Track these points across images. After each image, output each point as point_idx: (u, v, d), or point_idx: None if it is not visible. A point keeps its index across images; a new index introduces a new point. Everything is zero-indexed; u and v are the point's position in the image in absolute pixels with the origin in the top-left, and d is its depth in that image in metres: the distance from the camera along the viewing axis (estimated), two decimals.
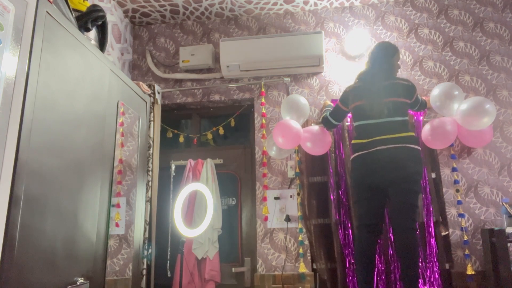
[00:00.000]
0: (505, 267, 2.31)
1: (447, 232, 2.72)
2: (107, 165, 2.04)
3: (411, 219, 2.07)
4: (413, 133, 2.21)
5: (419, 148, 2.19)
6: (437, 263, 2.62)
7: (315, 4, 3.30)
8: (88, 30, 2.06)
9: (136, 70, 3.51)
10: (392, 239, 2.61)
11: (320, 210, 2.93)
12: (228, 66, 3.15)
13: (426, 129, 2.69)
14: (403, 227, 2.07)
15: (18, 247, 1.33)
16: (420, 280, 2.07)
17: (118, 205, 2.21)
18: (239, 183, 3.27)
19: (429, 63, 3.11)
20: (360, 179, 2.26)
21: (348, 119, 2.95)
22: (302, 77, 3.25)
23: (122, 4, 3.24)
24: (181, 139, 3.41)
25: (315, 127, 2.83)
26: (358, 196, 2.29)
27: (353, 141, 2.34)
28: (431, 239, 2.66)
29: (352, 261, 2.71)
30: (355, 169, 2.29)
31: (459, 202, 2.75)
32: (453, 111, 2.61)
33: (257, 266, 2.89)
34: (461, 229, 2.70)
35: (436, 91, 2.66)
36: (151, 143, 2.80)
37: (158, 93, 3.03)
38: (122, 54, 3.33)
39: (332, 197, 2.83)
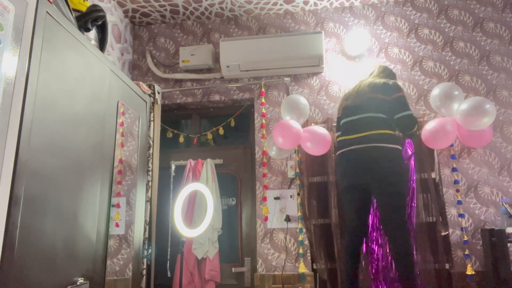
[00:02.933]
0: (505, 267, 2.31)
1: (447, 232, 2.72)
2: (107, 165, 2.04)
3: (396, 222, 2.07)
4: (391, 131, 2.16)
5: (398, 147, 2.15)
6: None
7: (315, 4, 3.30)
8: (88, 30, 2.06)
9: (136, 70, 3.51)
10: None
11: (320, 210, 2.92)
12: (228, 66, 3.15)
13: (426, 129, 2.69)
14: (391, 229, 2.08)
15: (18, 247, 1.33)
16: (418, 280, 2.06)
17: (118, 205, 2.21)
18: (239, 183, 3.27)
19: (429, 63, 3.11)
20: (341, 178, 2.30)
21: None
22: (302, 77, 3.25)
23: (122, 4, 3.24)
24: (181, 139, 3.41)
25: (315, 127, 2.83)
26: (343, 196, 2.33)
27: (337, 139, 2.38)
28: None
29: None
30: (337, 167, 2.34)
31: (459, 202, 2.75)
32: (453, 111, 2.61)
33: (257, 266, 2.89)
34: (461, 229, 2.70)
35: (436, 91, 2.67)
36: (151, 143, 2.80)
37: (158, 93, 3.03)
38: (122, 54, 3.33)
39: (332, 197, 2.83)
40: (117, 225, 2.16)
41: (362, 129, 2.17)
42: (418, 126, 2.24)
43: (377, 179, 2.10)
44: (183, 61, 3.29)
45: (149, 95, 2.87)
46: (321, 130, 2.77)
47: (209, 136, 3.50)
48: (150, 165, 2.76)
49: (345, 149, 2.22)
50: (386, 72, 2.44)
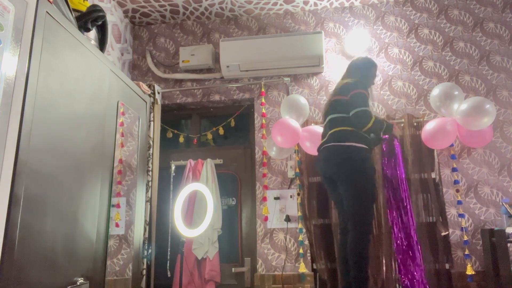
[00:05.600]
0: (505, 267, 2.31)
1: (447, 232, 2.72)
2: (107, 165, 2.04)
3: (351, 220, 2.11)
4: (348, 128, 2.17)
5: (354, 144, 2.13)
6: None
7: (315, 4, 3.30)
8: (88, 30, 2.06)
9: (136, 70, 3.51)
10: None
11: (320, 210, 2.93)
12: (228, 66, 3.15)
13: (426, 129, 2.69)
14: (349, 227, 2.14)
15: (18, 247, 1.33)
16: (365, 282, 2.06)
17: (118, 205, 2.21)
18: (239, 183, 3.27)
19: (429, 63, 3.11)
20: (321, 180, 2.41)
21: None
22: (302, 77, 3.25)
23: (122, 4, 3.24)
24: (181, 139, 3.41)
25: (314, 127, 2.83)
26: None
27: None
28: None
29: None
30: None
31: (459, 202, 2.75)
32: (453, 111, 2.61)
33: (257, 266, 2.89)
34: (461, 229, 2.70)
35: (436, 91, 2.67)
36: (151, 143, 2.80)
37: (158, 93, 3.03)
38: (122, 54, 3.33)
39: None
40: (117, 225, 2.16)
41: (327, 131, 2.28)
42: (377, 123, 2.18)
43: (335, 177, 2.19)
44: (183, 61, 3.29)
45: (149, 95, 2.87)
46: (320, 129, 2.77)
47: (209, 136, 3.50)
48: (150, 165, 2.76)
49: (319, 150, 2.35)
50: (352, 70, 2.42)
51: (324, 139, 2.28)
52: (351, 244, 2.09)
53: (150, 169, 2.75)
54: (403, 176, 2.74)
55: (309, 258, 2.85)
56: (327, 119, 2.32)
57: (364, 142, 2.16)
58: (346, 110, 2.22)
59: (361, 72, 2.37)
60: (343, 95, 2.25)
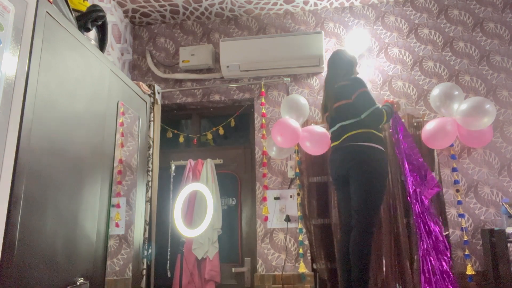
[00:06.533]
0: (505, 267, 2.31)
1: (447, 232, 2.72)
2: (107, 165, 2.04)
3: (356, 219, 2.13)
4: (364, 129, 2.20)
5: (370, 144, 2.16)
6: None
7: (315, 4, 3.30)
8: (88, 30, 2.06)
9: (136, 70, 3.51)
10: None
11: (320, 210, 2.92)
12: (228, 66, 3.15)
13: (426, 129, 2.69)
14: (353, 226, 2.15)
15: (18, 247, 1.33)
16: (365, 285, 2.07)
17: (118, 205, 2.21)
18: (239, 183, 3.27)
19: (429, 63, 3.11)
20: (330, 173, 2.46)
21: None
22: (302, 77, 3.25)
23: (122, 4, 3.24)
24: (181, 139, 3.41)
25: (314, 127, 2.83)
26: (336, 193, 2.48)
27: None
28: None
29: None
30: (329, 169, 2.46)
31: (459, 202, 2.75)
32: (453, 111, 2.61)
33: (257, 266, 2.89)
34: (461, 229, 2.70)
35: (436, 91, 2.67)
36: (151, 143, 2.80)
37: (158, 93, 3.03)
38: (122, 54, 3.33)
39: (332, 197, 2.83)
40: (117, 225, 2.16)
41: (339, 136, 2.29)
42: (388, 115, 2.24)
43: (349, 176, 2.21)
44: (183, 61, 3.29)
45: (149, 95, 2.87)
46: (320, 129, 2.78)
47: (209, 136, 3.50)
48: (150, 165, 2.76)
49: (332, 152, 2.38)
50: (340, 67, 2.40)
51: (338, 141, 2.29)
52: (354, 243, 2.10)
53: (150, 169, 2.75)
54: (404, 156, 2.64)
55: (309, 258, 2.85)
56: (338, 126, 2.31)
57: (381, 143, 2.21)
58: (355, 114, 2.23)
59: (349, 68, 2.39)
60: (346, 98, 2.25)
